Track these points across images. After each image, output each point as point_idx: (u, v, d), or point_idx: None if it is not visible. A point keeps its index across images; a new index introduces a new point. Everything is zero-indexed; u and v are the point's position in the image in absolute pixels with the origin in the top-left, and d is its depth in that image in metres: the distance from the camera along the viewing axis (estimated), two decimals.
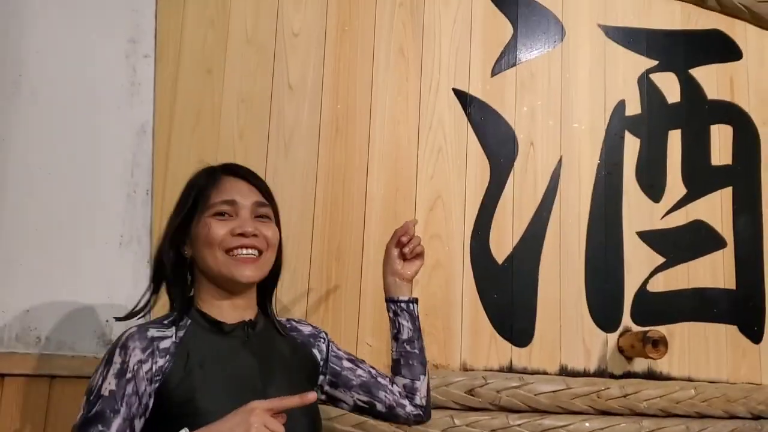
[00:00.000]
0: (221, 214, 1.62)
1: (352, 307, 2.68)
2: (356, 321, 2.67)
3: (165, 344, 1.51)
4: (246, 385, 1.50)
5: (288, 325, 1.83)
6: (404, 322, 1.87)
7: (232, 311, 1.64)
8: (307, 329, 1.88)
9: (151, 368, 1.44)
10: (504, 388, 2.62)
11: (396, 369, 1.90)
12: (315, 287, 2.66)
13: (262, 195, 1.70)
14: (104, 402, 1.37)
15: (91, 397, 1.40)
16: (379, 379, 1.87)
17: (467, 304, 2.77)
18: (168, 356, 1.48)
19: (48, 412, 2.47)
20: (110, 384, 1.40)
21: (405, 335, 1.87)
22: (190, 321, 1.59)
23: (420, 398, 1.88)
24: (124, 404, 1.37)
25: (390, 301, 1.91)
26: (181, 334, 1.55)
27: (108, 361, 1.45)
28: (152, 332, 1.53)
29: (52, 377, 2.48)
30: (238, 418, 1.28)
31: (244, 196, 1.65)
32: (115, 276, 2.62)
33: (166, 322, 1.59)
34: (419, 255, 1.93)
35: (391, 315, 1.90)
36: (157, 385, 1.43)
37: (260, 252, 1.63)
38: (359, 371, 1.87)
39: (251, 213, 1.64)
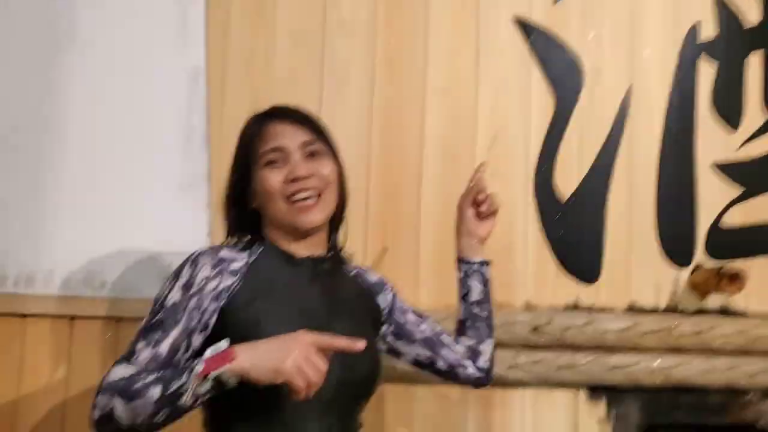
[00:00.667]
0: (272, 162, 1.57)
1: (411, 247, 2.63)
2: (416, 260, 2.62)
3: (235, 266, 1.51)
4: (311, 317, 1.48)
5: (355, 271, 1.81)
6: (475, 284, 1.85)
7: (303, 248, 1.62)
8: (373, 277, 1.85)
9: (218, 286, 1.45)
10: (570, 326, 2.55)
11: (461, 330, 1.88)
12: (372, 231, 2.61)
13: (310, 132, 1.62)
14: (166, 312, 1.41)
15: (156, 306, 1.44)
16: (443, 337, 1.85)
17: (531, 241, 2.68)
18: (237, 277, 1.49)
19: (117, 353, 2.52)
20: (175, 295, 1.43)
21: (474, 297, 1.85)
22: (262, 248, 1.59)
23: (483, 361, 1.87)
24: (185, 317, 1.40)
25: (462, 261, 1.88)
26: (252, 258, 1.55)
27: (177, 274, 1.48)
28: (224, 253, 1.54)
29: (118, 320, 2.54)
30: (281, 343, 1.25)
31: (291, 138, 1.59)
32: (175, 221, 2.64)
33: (239, 246, 1.60)
34: (493, 213, 1.88)
35: (462, 275, 1.87)
36: (221, 303, 1.44)
37: (319, 193, 1.58)
38: (423, 326, 1.85)
39: (302, 154, 1.58)
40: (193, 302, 1.42)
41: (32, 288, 2.51)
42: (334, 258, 1.71)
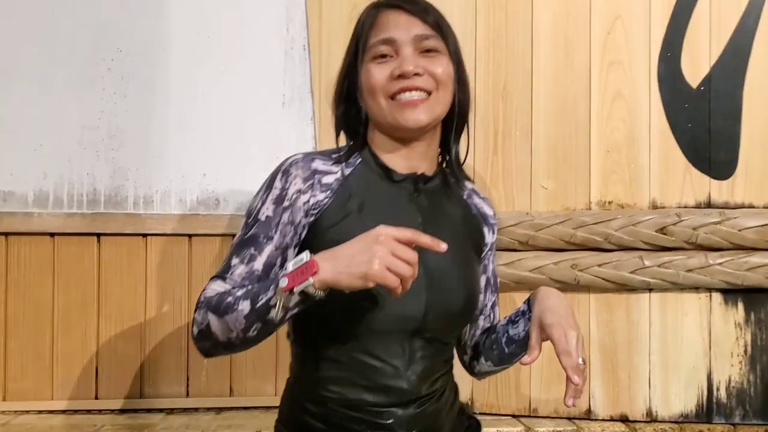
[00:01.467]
0: (381, 56, 1.42)
1: (523, 149, 2.48)
2: (528, 163, 2.47)
3: (328, 179, 1.41)
4: None
5: (468, 191, 1.64)
6: (523, 326, 1.55)
7: (405, 161, 1.48)
8: (487, 208, 1.68)
9: (309, 201, 1.37)
10: (701, 224, 2.35)
11: (484, 337, 1.66)
12: (481, 131, 2.48)
13: (427, 25, 1.43)
14: (260, 226, 1.36)
15: (249, 220, 1.39)
16: (482, 318, 1.67)
17: (656, 135, 2.46)
18: (329, 192, 1.39)
19: None
20: (268, 209, 1.37)
21: (513, 333, 1.56)
22: (360, 160, 1.47)
23: (477, 370, 1.71)
24: (278, 232, 1.35)
25: (528, 304, 1.55)
26: (347, 172, 1.44)
27: (269, 185, 1.41)
28: (317, 164, 1.42)
29: (234, 236, 2.58)
30: (362, 245, 1.15)
31: (404, 29, 1.41)
32: (280, 136, 2.61)
33: (334, 156, 1.46)
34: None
35: (521, 310, 1.57)
36: (311, 219, 1.36)
37: (429, 93, 1.41)
38: (488, 294, 1.68)
39: (414, 48, 1.41)
40: (285, 217, 1.35)
41: (151, 208, 2.59)
42: (443, 177, 1.54)
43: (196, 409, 2.56)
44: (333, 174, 1.42)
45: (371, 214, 1.37)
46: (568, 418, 2.44)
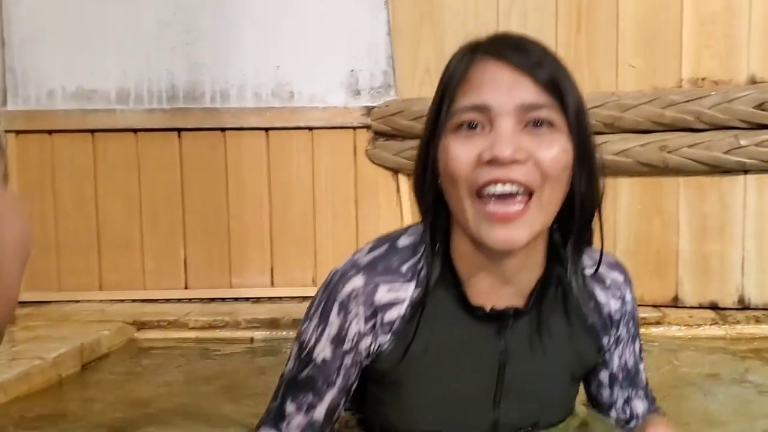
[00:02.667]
0: (469, 126, 0.98)
1: (609, 26, 2.33)
2: (614, 42, 2.33)
3: (391, 316, 1.09)
4: (470, 403, 1.11)
5: (588, 293, 1.14)
6: None
7: (493, 282, 1.08)
8: (612, 304, 1.17)
9: (371, 344, 1.10)
10: None
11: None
12: (563, 8, 2.35)
13: (539, 87, 0.97)
14: (316, 369, 1.10)
15: (302, 355, 1.12)
16: (613, 411, 1.27)
17: (757, 2, 2.26)
18: (390, 334, 1.09)
19: (314, 160, 2.61)
20: (325, 350, 1.10)
21: None
22: (436, 276, 1.08)
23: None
24: (340, 376, 1.11)
25: None
26: (416, 296, 1.08)
27: (323, 314, 1.10)
28: (380, 295, 1.08)
29: (310, 129, 2.58)
30: None
31: (505, 92, 0.97)
32: (354, 21, 2.55)
33: (404, 269, 1.09)
34: None
35: None
36: (369, 361, 1.13)
37: (531, 192, 0.97)
38: (615, 390, 1.26)
39: (517, 121, 0.97)
40: (348, 359, 1.10)
41: (227, 102, 2.60)
42: (552, 288, 1.11)
43: (280, 298, 2.63)
44: (399, 305, 1.09)
45: (438, 359, 1.10)
46: (654, 306, 2.37)
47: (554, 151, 0.97)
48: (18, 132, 2.62)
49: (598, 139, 2.26)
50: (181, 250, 2.65)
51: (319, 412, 1.11)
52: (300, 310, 2.51)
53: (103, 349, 2.14)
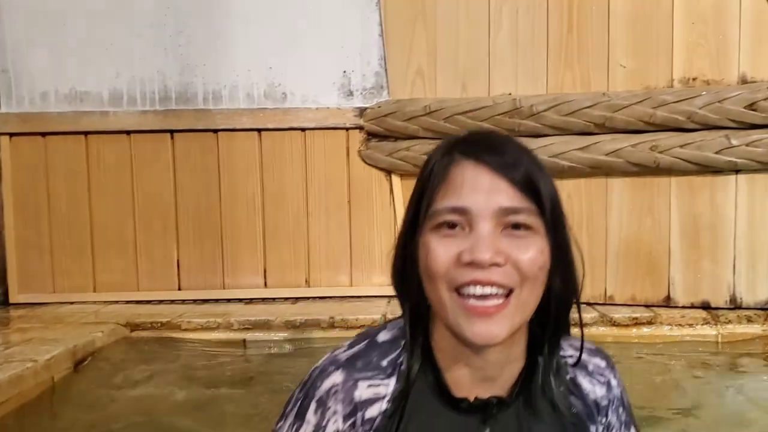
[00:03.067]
0: (449, 225, 1.01)
1: (600, 26, 2.34)
2: (605, 42, 2.33)
3: (372, 413, 1.08)
4: None
5: (571, 380, 1.14)
6: None
7: (474, 375, 1.08)
8: (597, 390, 1.17)
9: None
10: None
11: None
12: (554, 8, 2.35)
13: (517, 190, 0.99)
14: None
15: None
16: None
17: (747, 5, 2.26)
18: (371, 430, 1.08)
19: (306, 161, 2.61)
20: None
21: None
22: (416, 369, 1.08)
23: None
24: None
25: None
26: (397, 389, 1.08)
27: (300, 412, 1.10)
28: (360, 391, 1.08)
29: (302, 130, 2.59)
30: None
31: (484, 196, 1.00)
32: (345, 21, 2.55)
33: (385, 363, 1.10)
34: None
35: None
36: None
37: (509, 292, 0.99)
38: None
39: (495, 224, 0.99)
40: None
41: (220, 103, 2.60)
42: (534, 383, 1.10)
43: (273, 299, 2.64)
44: (380, 401, 1.08)
45: None
46: (646, 306, 2.38)
47: (531, 253, 0.98)
48: (12, 134, 2.63)
49: (590, 139, 2.30)
50: (174, 251, 2.65)
51: None
52: (293, 311, 2.56)
53: (96, 351, 2.15)
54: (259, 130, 2.60)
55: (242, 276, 2.65)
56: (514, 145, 1.03)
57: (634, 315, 2.30)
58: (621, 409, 1.17)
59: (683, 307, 2.35)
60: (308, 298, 2.63)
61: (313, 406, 1.07)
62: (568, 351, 1.12)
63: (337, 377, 1.06)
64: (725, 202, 2.31)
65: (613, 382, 1.16)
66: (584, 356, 1.13)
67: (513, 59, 2.41)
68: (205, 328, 2.36)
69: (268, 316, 2.40)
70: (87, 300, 2.63)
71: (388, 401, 1.06)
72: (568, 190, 2.41)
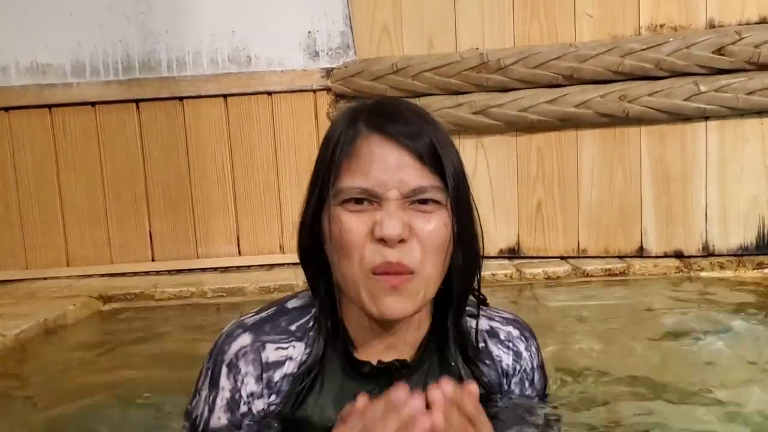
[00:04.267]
0: (356, 200, 0.99)
1: None
2: None
3: (279, 375, 1.07)
4: None
5: (484, 347, 1.14)
6: None
7: (381, 346, 1.07)
8: (505, 358, 1.15)
9: (264, 407, 1.07)
10: (765, 41, 2.15)
11: None
12: None
13: (424, 168, 0.98)
14: None
15: (196, 421, 1.08)
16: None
17: None
18: (279, 394, 1.07)
19: (274, 125, 2.57)
20: (220, 420, 1.07)
21: None
22: (324, 335, 1.07)
23: None
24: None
25: None
26: (305, 356, 1.07)
27: (212, 381, 1.07)
28: (268, 352, 1.07)
29: (269, 93, 2.55)
30: None
31: (390, 176, 0.97)
32: None
33: (293, 328, 1.09)
34: None
35: None
36: (267, 420, 1.09)
37: (412, 270, 0.99)
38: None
39: (402, 201, 0.98)
40: (247, 420, 1.07)
41: (184, 70, 2.56)
42: (440, 347, 1.10)
43: (248, 267, 2.62)
44: (287, 362, 1.07)
45: (327, 418, 1.07)
46: (619, 257, 2.37)
47: (434, 225, 0.99)
48: None
49: (559, 92, 2.28)
50: (146, 222, 2.63)
51: None
52: (268, 278, 2.54)
53: (68, 325, 2.14)
54: (224, 96, 2.55)
55: (216, 245, 2.63)
56: (419, 116, 1.01)
57: (607, 266, 2.30)
58: (527, 383, 1.15)
59: (656, 257, 2.35)
60: (283, 264, 2.61)
61: (224, 371, 1.06)
62: (483, 321, 1.12)
63: (245, 339, 1.05)
64: (695, 149, 2.29)
65: (524, 354, 1.14)
66: (498, 325, 1.14)
67: (479, 13, 2.37)
68: (179, 297, 2.35)
69: (242, 284, 2.39)
70: (60, 275, 2.61)
71: (297, 364, 1.06)
72: (538, 144, 2.38)
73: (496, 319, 1.14)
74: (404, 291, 0.97)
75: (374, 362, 1.04)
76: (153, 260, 2.64)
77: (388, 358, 1.05)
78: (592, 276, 2.28)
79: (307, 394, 1.06)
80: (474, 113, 2.33)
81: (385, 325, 1.04)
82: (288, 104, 2.55)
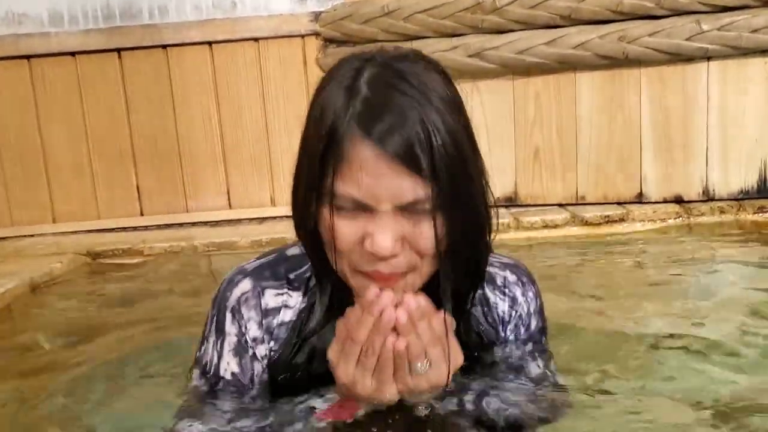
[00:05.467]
0: (346, 208, 0.96)
1: None
2: None
3: (277, 321, 1.08)
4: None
5: (481, 294, 1.11)
6: None
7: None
8: (500, 304, 1.13)
9: (266, 353, 1.09)
10: None
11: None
12: None
13: (417, 178, 0.91)
14: (228, 384, 1.09)
15: (209, 376, 1.10)
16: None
17: None
18: (279, 341, 1.09)
19: (262, 72, 2.48)
20: (230, 365, 1.09)
21: None
22: (324, 285, 1.07)
23: None
24: (256, 382, 1.10)
25: None
26: (303, 304, 1.09)
27: (218, 327, 1.09)
28: (267, 298, 1.08)
29: (255, 40, 2.45)
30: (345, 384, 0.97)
31: (384, 190, 0.93)
32: None
33: (292, 276, 1.09)
34: None
35: None
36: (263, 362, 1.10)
37: (406, 271, 0.98)
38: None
39: (394, 213, 0.94)
40: (257, 365, 1.09)
41: (167, 17, 2.45)
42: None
43: (239, 220, 2.57)
44: (286, 310, 1.09)
45: (321, 369, 1.05)
46: (618, 203, 2.33)
47: (426, 231, 0.94)
48: None
49: (556, 33, 2.20)
50: (132, 176, 2.56)
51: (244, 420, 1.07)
52: (260, 231, 2.48)
53: (55, 282, 2.09)
54: (209, 43, 2.46)
55: (205, 198, 2.57)
56: (417, 94, 0.93)
57: (606, 213, 2.25)
58: (522, 329, 1.12)
59: (656, 203, 2.31)
60: (275, 217, 2.55)
61: (228, 316, 1.08)
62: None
63: (245, 285, 1.07)
64: (697, 91, 2.23)
65: (520, 299, 1.12)
66: (495, 270, 1.11)
67: None
68: (168, 252, 2.30)
69: (233, 237, 2.34)
70: (46, 232, 2.55)
71: (294, 313, 1.07)
72: (536, 88, 2.31)
73: (495, 264, 1.11)
74: (396, 286, 0.95)
75: None
76: (142, 215, 2.58)
77: None
78: (590, 224, 2.23)
79: (301, 341, 1.07)
80: (469, 56, 2.25)
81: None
82: (276, 50, 2.46)
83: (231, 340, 1.08)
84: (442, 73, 0.99)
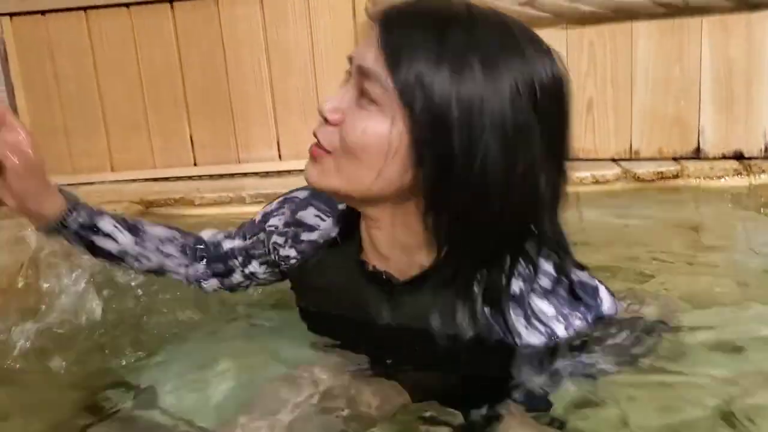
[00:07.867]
0: (348, 72, 0.95)
1: None
2: None
3: (305, 236, 1.13)
4: (351, 332, 1.12)
5: (503, 310, 0.99)
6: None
7: (377, 253, 1.02)
8: (559, 328, 0.98)
9: (278, 251, 1.16)
10: None
11: None
12: None
13: (383, 54, 0.88)
14: (248, 222, 1.26)
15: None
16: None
17: None
18: (297, 250, 1.14)
19: (311, 20, 2.46)
20: (258, 215, 1.23)
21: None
22: (348, 233, 1.07)
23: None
24: (251, 240, 1.23)
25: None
26: (333, 234, 1.10)
27: (279, 202, 1.21)
28: (307, 214, 1.13)
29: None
30: None
31: (361, 47, 0.92)
32: None
33: (341, 207, 1.10)
34: None
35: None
36: (282, 268, 1.19)
37: (329, 150, 0.93)
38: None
39: (356, 83, 0.91)
40: (262, 235, 1.20)
41: None
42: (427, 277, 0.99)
43: (288, 172, 2.59)
44: (315, 231, 1.12)
45: (333, 302, 1.11)
46: (674, 159, 2.25)
47: (358, 129, 0.90)
48: (12, 15, 2.56)
49: None
50: (186, 127, 2.61)
51: (227, 244, 1.26)
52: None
53: None
54: (127, 5, 2.49)
55: (256, 149, 2.61)
56: (413, 7, 0.91)
57: (660, 169, 2.18)
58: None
59: (714, 159, 2.22)
60: None
61: (280, 199, 1.22)
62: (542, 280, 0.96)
63: (302, 193, 1.18)
64: (763, 42, 2.11)
65: (561, 334, 0.96)
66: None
67: None
68: (218, 204, 2.35)
69: (280, 189, 2.35)
70: (105, 180, 2.64)
71: (322, 237, 1.12)
72: (589, 38, 2.24)
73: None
74: (318, 162, 0.95)
75: (370, 268, 1.03)
76: (195, 165, 2.64)
77: (380, 266, 1.02)
78: (642, 180, 2.17)
79: (318, 264, 1.12)
80: (520, 4, 2.17)
81: (369, 227, 1.01)
82: (325, 0, 2.44)
83: (268, 209, 1.22)
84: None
